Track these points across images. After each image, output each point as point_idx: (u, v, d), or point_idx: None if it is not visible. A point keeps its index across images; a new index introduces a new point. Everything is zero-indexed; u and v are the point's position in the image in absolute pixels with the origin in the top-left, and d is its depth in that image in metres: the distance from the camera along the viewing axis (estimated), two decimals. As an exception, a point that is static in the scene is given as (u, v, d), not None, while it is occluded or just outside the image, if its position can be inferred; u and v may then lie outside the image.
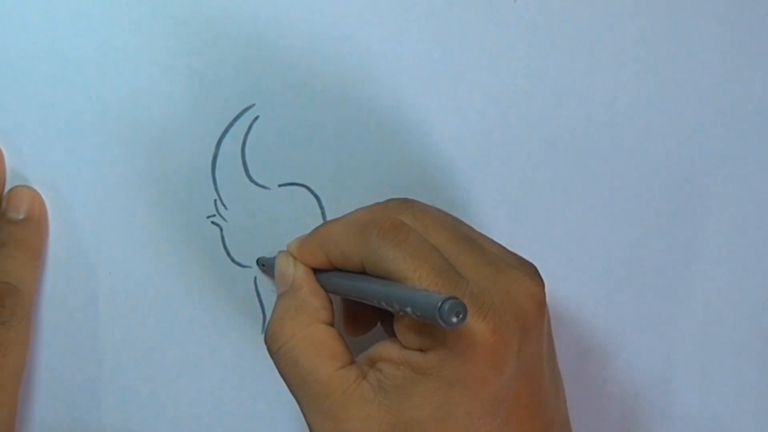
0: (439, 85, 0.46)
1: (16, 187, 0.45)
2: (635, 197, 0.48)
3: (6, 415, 0.44)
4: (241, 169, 0.46)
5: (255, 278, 0.47)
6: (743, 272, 0.49)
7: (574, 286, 0.48)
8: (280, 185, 0.46)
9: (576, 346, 0.49)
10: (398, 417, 0.37)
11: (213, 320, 0.47)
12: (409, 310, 0.35)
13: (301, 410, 0.39)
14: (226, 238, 0.46)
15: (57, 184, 0.45)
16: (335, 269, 0.41)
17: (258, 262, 0.46)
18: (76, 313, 0.46)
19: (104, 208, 0.46)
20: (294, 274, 0.41)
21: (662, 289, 0.49)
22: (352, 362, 0.39)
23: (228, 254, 0.46)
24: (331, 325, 0.40)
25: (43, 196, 0.45)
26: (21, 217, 0.45)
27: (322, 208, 0.46)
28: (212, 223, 0.46)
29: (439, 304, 0.33)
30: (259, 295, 0.47)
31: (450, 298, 0.33)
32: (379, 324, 0.44)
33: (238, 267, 0.47)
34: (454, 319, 0.33)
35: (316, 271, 0.41)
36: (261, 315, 0.47)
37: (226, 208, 0.46)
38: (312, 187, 0.46)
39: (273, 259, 0.43)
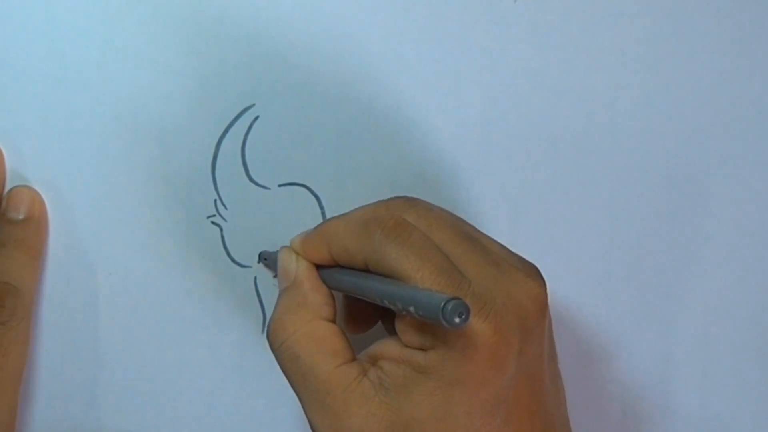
0: (439, 85, 0.46)
1: (16, 187, 0.45)
2: (635, 197, 0.48)
3: (6, 415, 0.43)
4: (241, 169, 0.46)
5: (255, 278, 0.47)
6: (743, 272, 0.49)
7: (574, 286, 0.48)
8: (280, 185, 0.46)
9: (576, 347, 0.49)
10: (398, 415, 0.37)
11: (213, 320, 0.47)
12: (411, 309, 0.35)
13: (302, 406, 0.39)
14: (226, 238, 0.46)
15: (57, 184, 0.45)
16: (338, 266, 0.41)
17: (260, 256, 0.46)
18: (76, 313, 0.46)
19: (104, 208, 0.46)
20: (296, 269, 0.41)
21: (662, 289, 0.49)
22: (354, 359, 0.39)
23: (228, 254, 0.46)
24: (333, 321, 0.40)
25: (43, 196, 0.45)
26: (21, 217, 0.45)
27: (322, 208, 0.46)
28: (212, 223, 0.46)
29: (442, 304, 0.33)
30: (259, 295, 0.47)
31: (453, 298, 0.33)
32: (380, 322, 0.44)
33: (238, 267, 0.47)
34: (457, 320, 0.33)
35: (319, 267, 0.41)
36: (261, 315, 0.47)
37: (226, 208, 0.46)
38: (312, 187, 0.46)
39: (275, 253, 0.43)
